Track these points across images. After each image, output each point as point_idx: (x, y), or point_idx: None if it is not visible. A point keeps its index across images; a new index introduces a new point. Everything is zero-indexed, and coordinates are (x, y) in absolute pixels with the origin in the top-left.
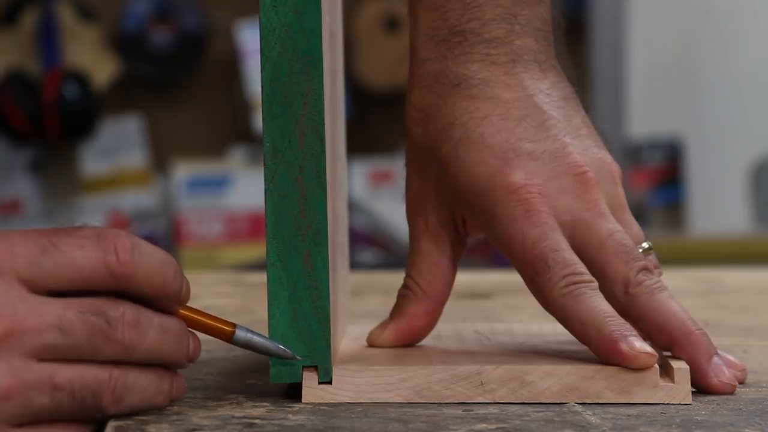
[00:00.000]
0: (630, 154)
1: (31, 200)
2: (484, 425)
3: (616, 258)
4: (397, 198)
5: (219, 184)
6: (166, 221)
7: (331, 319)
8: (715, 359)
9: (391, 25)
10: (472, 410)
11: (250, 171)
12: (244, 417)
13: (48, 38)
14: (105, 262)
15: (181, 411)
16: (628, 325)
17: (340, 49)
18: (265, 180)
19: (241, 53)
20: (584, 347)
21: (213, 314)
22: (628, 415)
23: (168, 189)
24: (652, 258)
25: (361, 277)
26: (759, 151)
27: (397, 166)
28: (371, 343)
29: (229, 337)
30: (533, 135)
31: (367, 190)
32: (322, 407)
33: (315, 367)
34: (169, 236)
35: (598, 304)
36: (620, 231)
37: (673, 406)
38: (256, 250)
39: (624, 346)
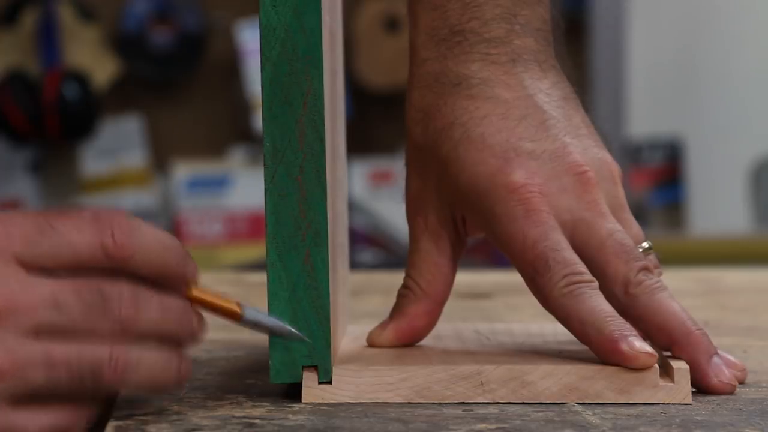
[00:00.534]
0: (630, 154)
1: (31, 200)
2: (484, 425)
3: (616, 258)
4: (397, 198)
5: (219, 184)
6: (166, 221)
7: (331, 319)
8: (715, 359)
9: (391, 25)
10: (472, 410)
11: (250, 171)
12: (244, 417)
13: (48, 38)
14: (102, 243)
15: (181, 411)
16: (628, 325)
17: (340, 49)
18: (265, 180)
19: (241, 53)
20: (584, 347)
21: (221, 295)
22: (628, 415)
23: (168, 189)
24: (652, 258)
25: (361, 277)
26: (759, 151)
27: (397, 166)
28: (371, 343)
29: (238, 317)
30: (533, 134)
31: (367, 190)
32: (322, 407)
33: (315, 367)
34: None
35: (598, 304)
36: (620, 231)
37: (673, 406)
38: (256, 250)
39: (624, 346)
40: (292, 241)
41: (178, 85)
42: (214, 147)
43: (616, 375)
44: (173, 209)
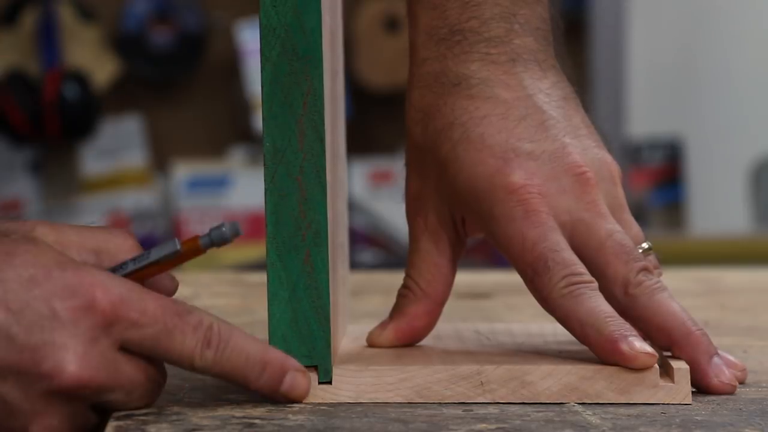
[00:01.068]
0: (630, 154)
1: (31, 200)
2: (484, 425)
3: (615, 258)
4: (397, 198)
5: (219, 184)
6: (166, 221)
7: (331, 319)
8: (716, 359)
9: (391, 25)
10: (472, 410)
11: (250, 171)
12: (244, 417)
13: (48, 38)
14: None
15: (181, 411)
16: (628, 326)
17: (340, 49)
18: (265, 180)
19: (241, 53)
20: (584, 347)
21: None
22: (628, 415)
23: (168, 189)
24: (651, 258)
25: (361, 277)
26: (759, 151)
27: (397, 166)
28: (371, 343)
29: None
30: (533, 135)
31: (367, 190)
32: (322, 407)
33: (315, 367)
34: (169, 236)
35: (597, 305)
36: (620, 231)
37: (673, 406)
38: (256, 250)
39: (624, 346)
40: (292, 241)
41: (178, 85)
42: (214, 147)
43: (616, 375)
44: (173, 209)
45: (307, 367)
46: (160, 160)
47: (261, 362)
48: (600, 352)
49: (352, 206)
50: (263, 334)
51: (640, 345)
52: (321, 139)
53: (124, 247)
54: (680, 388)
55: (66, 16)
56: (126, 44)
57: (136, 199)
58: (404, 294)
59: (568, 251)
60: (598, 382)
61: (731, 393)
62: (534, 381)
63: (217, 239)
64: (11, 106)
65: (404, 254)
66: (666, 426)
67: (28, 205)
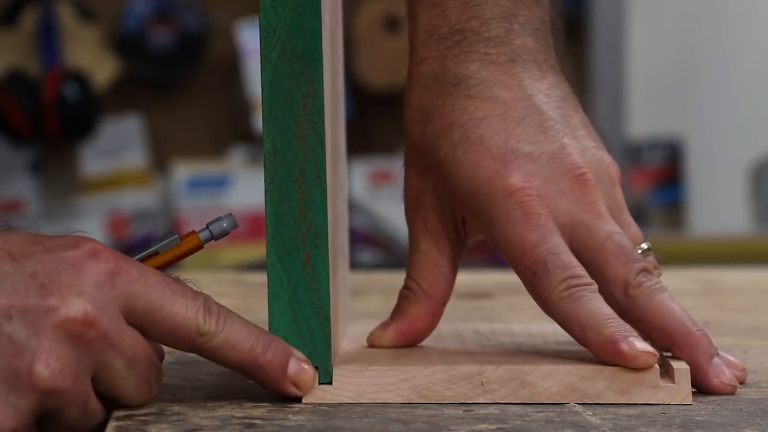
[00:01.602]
0: (630, 154)
1: (31, 200)
2: (485, 425)
3: (615, 260)
4: (397, 198)
5: (219, 184)
6: (166, 221)
7: (332, 320)
8: (716, 360)
9: (391, 25)
10: (472, 410)
11: (250, 171)
12: (244, 417)
13: (48, 38)
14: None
15: (181, 411)
16: (628, 327)
17: (340, 50)
18: (265, 181)
19: (241, 53)
20: (584, 347)
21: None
22: (628, 416)
23: (168, 189)
24: (651, 259)
25: (361, 277)
26: (759, 151)
27: (397, 166)
28: (372, 344)
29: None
30: (532, 136)
31: (367, 190)
32: (322, 407)
33: (315, 368)
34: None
35: (597, 307)
36: (619, 232)
37: (673, 406)
38: (256, 250)
39: (624, 346)
40: (293, 242)
41: (178, 85)
42: (214, 147)
43: (616, 375)
44: (173, 209)
45: None
46: (160, 160)
47: (265, 336)
48: (601, 354)
49: (352, 206)
50: None
51: (641, 345)
52: (321, 141)
53: None
54: (680, 389)
55: (66, 16)
56: (126, 44)
57: (136, 199)
58: (405, 295)
59: (568, 253)
60: (599, 382)
61: (732, 393)
62: (534, 381)
63: (217, 233)
64: (11, 106)
65: (404, 254)
66: (666, 426)
67: (28, 205)
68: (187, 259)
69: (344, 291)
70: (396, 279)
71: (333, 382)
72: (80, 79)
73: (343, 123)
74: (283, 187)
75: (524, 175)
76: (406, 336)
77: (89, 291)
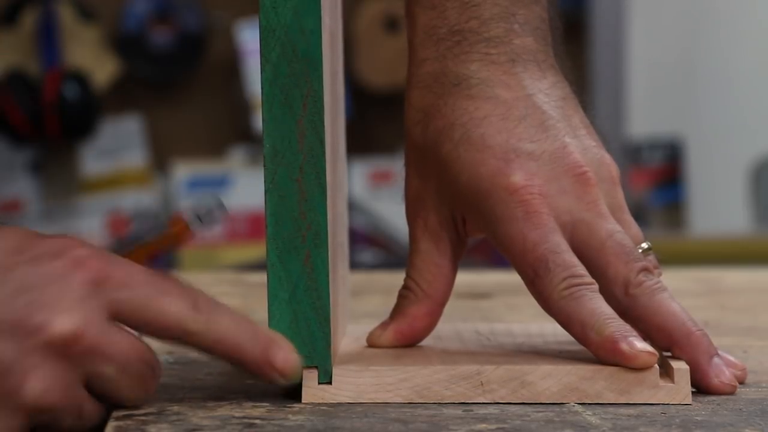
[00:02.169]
0: (630, 154)
1: (31, 200)
2: (484, 425)
3: (616, 259)
4: (397, 198)
5: (219, 184)
6: (165, 221)
7: (331, 320)
8: (716, 359)
9: (391, 25)
10: (472, 410)
11: (250, 171)
12: (244, 417)
13: (48, 38)
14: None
15: (181, 411)
16: (628, 327)
17: (340, 50)
18: (265, 181)
19: (241, 53)
20: (584, 347)
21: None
22: (628, 415)
23: (168, 189)
24: (651, 258)
25: (361, 277)
26: (759, 151)
27: (397, 166)
28: (371, 344)
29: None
30: (533, 135)
31: (367, 190)
32: (322, 407)
33: (315, 368)
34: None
35: (598, 306)
36: (620, 232)
37: (673, 406)
38: (256, 250)
39: (624, 346)
40: (292, 242)
41: (178, 85)
42: (214, 147)
43: (616, 375)
44: (173, 209)
45: (307, 367)
46: (160, 160)
47: (251, 328)
48: (601, 353)
49: (352, 206)
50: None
51: (641, 345)
52: (321, 141)
53: None
54: (680, 389)
55: (66, 16)
56: (126, 44)
57: (136, 199)
58: (405, 295)
59: (569, 253)
60: (598, 382)
61: (731, 393)
62: (534, 381)
63: (204, 215)
64: (11, 106)
65: (404, 254)
66: (666, 426)
67: (28, 205)
68: (188, 259)
69: (344, 291)
70: (396, 279)
71: (333, 382)
72: (80, 79)
73: (343, 123)
74: (283, 187)
75: (526, 174)
76: (405, 336)
77: (75, 305)
